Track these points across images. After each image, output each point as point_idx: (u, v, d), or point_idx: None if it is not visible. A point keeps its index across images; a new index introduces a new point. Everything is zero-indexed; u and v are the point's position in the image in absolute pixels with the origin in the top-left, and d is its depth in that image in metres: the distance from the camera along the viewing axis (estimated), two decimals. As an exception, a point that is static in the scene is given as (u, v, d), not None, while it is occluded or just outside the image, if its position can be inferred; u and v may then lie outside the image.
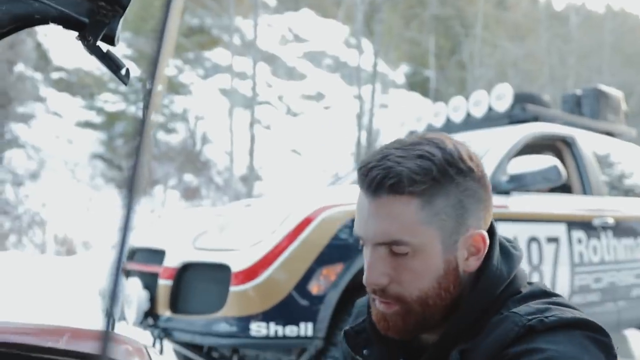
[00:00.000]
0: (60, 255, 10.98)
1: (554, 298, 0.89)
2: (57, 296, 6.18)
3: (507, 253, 0.92)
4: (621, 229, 3.84)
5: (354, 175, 4.59)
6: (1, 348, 1.06)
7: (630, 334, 4.80)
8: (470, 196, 0.87)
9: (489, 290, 0.88)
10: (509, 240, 0.97)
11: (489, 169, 3.31)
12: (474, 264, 0.89)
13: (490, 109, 4.28)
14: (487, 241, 0.88)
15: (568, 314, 0.83)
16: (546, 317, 0.81)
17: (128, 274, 3.28)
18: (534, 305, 0.85)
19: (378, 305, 0.91)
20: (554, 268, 3.36)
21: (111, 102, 16.38)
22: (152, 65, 0.40)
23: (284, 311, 2.47)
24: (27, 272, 7.41)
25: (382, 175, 0.84)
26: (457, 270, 0.88)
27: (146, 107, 0.39)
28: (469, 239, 0.88)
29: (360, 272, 2.53)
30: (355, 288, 2.50)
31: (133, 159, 0.37)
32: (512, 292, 0.89)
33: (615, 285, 3.73)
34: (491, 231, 0.92)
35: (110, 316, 0.33)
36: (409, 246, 0.85)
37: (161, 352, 2.72)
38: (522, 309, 0.85)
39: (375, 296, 0.90)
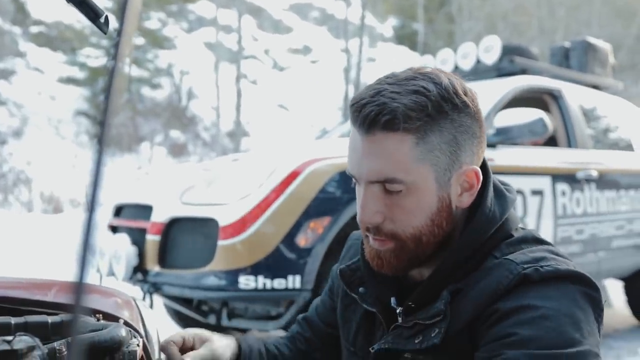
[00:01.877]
0: (47, 213, 10.94)
1: (547, 246, 0.89)
2: (45, 253, 6.19)
3: (501, 195, 0.92)
4: (604, 181, 3.89)
5: (342, 129, 4.59)
6: (-9, 301, 1.06)
7: (609, 284, 4.93)
8: (464, 132, 0.86)
9: (481, 230, 0.88)
10: (503, 183, 0.97)
11: (475, 122, 3.31)
12: (467, 200, 0.89)
13: (478, 61, 4.25)
14: (481, 177, 0.88)
15: (563, 265, 0.83)
16: (541, 267, 0.82)
17: (115, 229, 3.28)
18: (530, 253, 0.86)
19: (372, 242, 0.91)
20: (538, 220, 3.41)
21: (94, 57, 16.03)
22: (121, 11, 0.38)
23: (272, 264, 2.49)
24: (14, 230, 7.39)
25: (376, 112, 0.82)
26: (450, 207, 0.88)
27: (114, 57, 0.37)
28: (462, 175, 0.87)
29: (347, 225, 2.58)
30: (342, 241, 2.52)
31: (102, 110, 0.36)
32: (505, 234, 0.90)
33: (597, 237, 3.81)
34: (485, 170, 0.92)
35: (82, 267, 0.32)
36: (402, 184, 0.84)
37: (151, 306, 2.76)
38: (518, 256, 0.85)
39: (369, 234, 0.90)
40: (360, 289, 1.00)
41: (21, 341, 0.72)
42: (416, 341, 0.86)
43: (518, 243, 0.89)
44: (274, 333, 1.24)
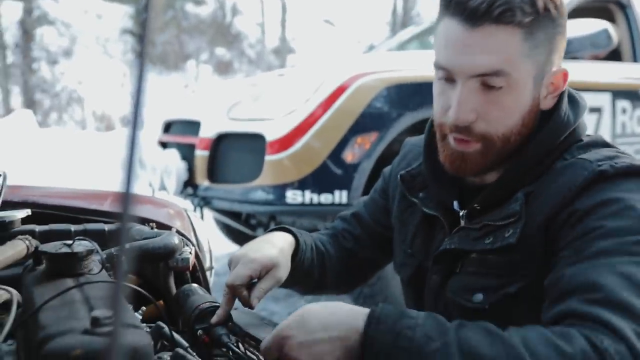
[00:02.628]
0: (101, 131, 11.29)
1: (616, 149, 0.88)
2: (99, 169, 6.44)
3: (575, 101, 0.92)
4: (670, 98, 3.66)
5: (389, 44, 4.44)
6: (52, 210, 1.11)
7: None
8: (560, 33, 0.86)
9: (555, 133, 0.88)
10: (574, 90, 0.96)
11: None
12: (550, 102, 0.89)
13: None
14: (567, 79, 0.88)
15: (636, 162, 0.82)
16: (616, 163, 0.81)
17: (165, 145, 3.35)
18: (602, 152, 0.85)
19: (453, 144, 0.89)
20: (595, 138, 3.27)
21: (137, -28, 15.80)
22: None
23: (319, 179, 2.50)
24: (70, 147, 7.67)
25: (488, 3, 0.81)
26: (538, 107, 0.88)
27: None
28: (551, 76, 0.87)
29: (395, 141, 2.53)
30: (389, 157, 2.49)
31: (141, 24, 0.33)
32: (575, 139, 0.89)
33: (657, 156, 3.64)
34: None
35: (129, 177, 0.31)
36: (506, 78, 0.83)
37: (202, 219, 2.85)
38: (591, 155, 0.84)
39: (458, 135, 0.87)
40: (421, 194, 1.00)
41: (80, 245, 0.74)
42: (486, 241, 0.86)
43: (588, 146, 0.88)
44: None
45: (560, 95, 0.90)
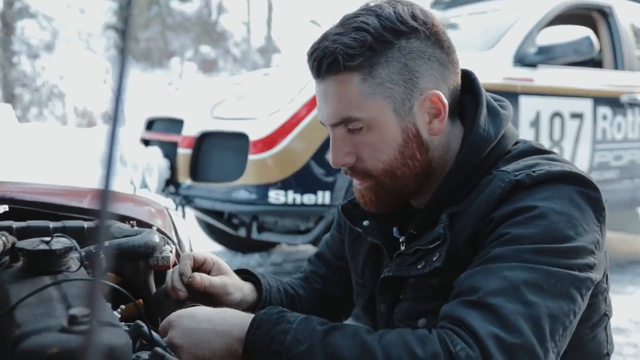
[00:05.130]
0: (82, 127, 11.15)
1: (546, 154, 0.88)
2: (80, 165, 6.36)
3: (495, 112, 0.90)
4: (649, 106, 3.73)
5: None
6: (30, 206, 1.09)
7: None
8: (418, 57, 0.84)
9: (474, 151, 0.87)
10: (497, 99, 0.95)
11: (516, 40, 3.16)
12: (437, 126, 0.87)
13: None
14: (445, 101, 0.86)
15: (557, 167, 0.82)
16: (533, 172, 0.81)
17: (147, 143, 3.32)
18: (523, 162, 0.85)
19: (354, 183, 0.93)
20: (575, 144, 3.31)
21: (122, -33, 15.66)
22: None
23: (302, 179, 2.50)
24: (50, 143, 7.57)
25: (319, 57, 0.84)
26: (419, 137, 0.87)
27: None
28: (424, 102, 0.86)
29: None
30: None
31: (123, 20, 0.33)
32: (501, 152, 0.88)
33: (635, 163, 3.70)
34: (476, 91, 0.91)
35: (108, 176, 0.30)
36: (360, 121, 0.85)
37: (183, 217, 2.82)
38: (511, 166, 0.84)
39: (350, 175, 0.91)
40: (365, 223, 1.00)
41: (59, 242, 0.73)
42: (419, 266, 0.87)
43: (515, 157, 0.88)
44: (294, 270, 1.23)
45: (476, 112, 0.88)
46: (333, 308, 1.17)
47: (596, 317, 0.87)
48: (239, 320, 0.80)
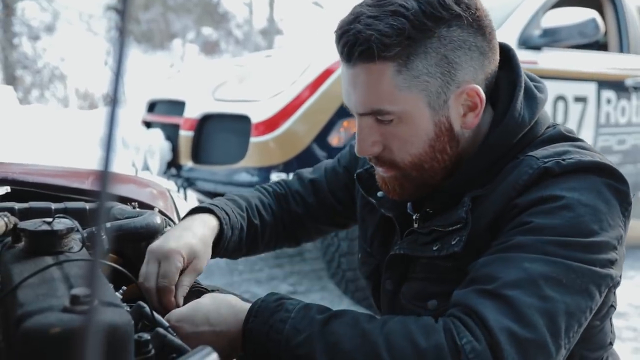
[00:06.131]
0: (83, 109, 11.13)
1: (575, 142, 0.85)
2: (82, 146, 6.36)
3: (531, 96, 0.86)
4: (654, 89, 3.70)
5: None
6: (32, 187, 1.09)
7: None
8: (458, 48, 0.79)
9: (507, 136, 0.84)
10: (533, 79, 0.91)
11: (521, 21, 3.13)
12: (472, 120, 0.83)
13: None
14: (483, 95, 0.82)
15: (587, 157, 0.79)
16: (563, 160, 0.78)
17: (149, 125, 3.31)
18: (552, 148, 0.81)
19: (377, 169, 0.89)
20: (578, 128, 3.30)
21: (122, -53, 15.49)
22: None
23: (304, 162, 2.49)
24: (51, 125, 7.56)
25: (351, 42, 0.78)
26: (452, 130, 0.83)
27: None
28: (461, 95, 0.81)
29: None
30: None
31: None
32: (532, 138, 0.85)
33: (638, 148, 3.68)
34: (514, 70, 0.87)
35: (107, 155, 0.30)
36: (391, 114, 0.80)
37: (185, 200, 2.83)
38: (540, 152, 0.81)
39: (374, 163, 0.88)
40: (379, 194, 0.97)
41: (61, 223, 0.73)
42: (434, 248, 0.84)
43: (544, 142, 0.84)
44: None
45: (513, 94, 0.84)
46: (298, 232, 1.15)
47: (605, 309, 0.85)
48: (234, 318, 0.78)
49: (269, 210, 1.11)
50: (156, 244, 0.88)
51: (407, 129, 0.82)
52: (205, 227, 0.94)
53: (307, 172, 1.19)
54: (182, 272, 0.87)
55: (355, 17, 0.79)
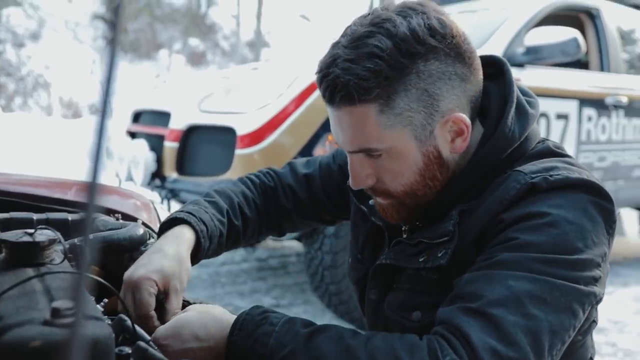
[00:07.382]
0: (67, 118, 11.02)
1: (563, 158, 0.85)
2: (65, 156, 6.29)
3: (523, 112, 0.87)
4: (634, 108, 3.77)
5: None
6: (14, 197, 1.08)
7: (625, 213, 4.92)
8: (438, 80, 0.79)
9: (496, 151, 0.84)
10: (526, 94, 0.91)
11: (504, 39, 3.18)
12: (460, 144, 0.84)
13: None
14: (468, 122, 0.82)
15: (575, 174, 0.79)
16: (551, 176, 0.78)
17: (134, 135, 3.29)
18: (540, 163, 0.82)
19: (374, 197, 0.91)
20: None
21: (110, -43, 15.47)
22: None
23: (289, 175, 2.50)
24: (34, 133, 7.48)
25: (331, 88, 0.79)
26: (441, 157, 0.84)
27: None
28: (446, 124, 0.82)
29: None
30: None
31: (113, 10, 0.33)
32: (521, 153, 0.86)
33: (618, 165, 3.74)
34: (506, 85, 0.87)
35: (96, 167, 0.30)
36: (380, 150, 0.82)
37: (169, 211, 2.81)
38: (527, 167, 0.82)
39: (370, 193, 0.90)
40: (370, 202, 0.98)
41: (42, 234, 0.72)
42: (420, 259, 0.85)
43: (532, 157, 0.85)
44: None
45: (504, 110, 0.85)
46: (280, 225, 1.15)
47: (587, 324, 0.86)
48: (220, 333, 0.78)
49: (253, 206, 1.09)
50: (126, 274, 0.87)
51: (397, 162, 0.83)
52: (178, 244, 0.92)
53: (300, 164, 1.17)
54: (166, 294, 0.86)
55: (332, 60, 0.79)
